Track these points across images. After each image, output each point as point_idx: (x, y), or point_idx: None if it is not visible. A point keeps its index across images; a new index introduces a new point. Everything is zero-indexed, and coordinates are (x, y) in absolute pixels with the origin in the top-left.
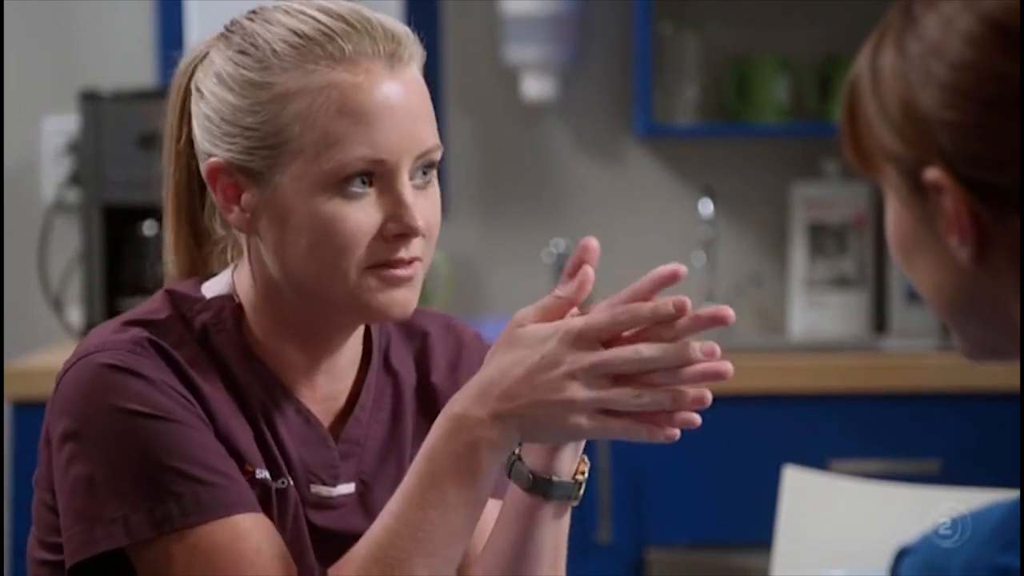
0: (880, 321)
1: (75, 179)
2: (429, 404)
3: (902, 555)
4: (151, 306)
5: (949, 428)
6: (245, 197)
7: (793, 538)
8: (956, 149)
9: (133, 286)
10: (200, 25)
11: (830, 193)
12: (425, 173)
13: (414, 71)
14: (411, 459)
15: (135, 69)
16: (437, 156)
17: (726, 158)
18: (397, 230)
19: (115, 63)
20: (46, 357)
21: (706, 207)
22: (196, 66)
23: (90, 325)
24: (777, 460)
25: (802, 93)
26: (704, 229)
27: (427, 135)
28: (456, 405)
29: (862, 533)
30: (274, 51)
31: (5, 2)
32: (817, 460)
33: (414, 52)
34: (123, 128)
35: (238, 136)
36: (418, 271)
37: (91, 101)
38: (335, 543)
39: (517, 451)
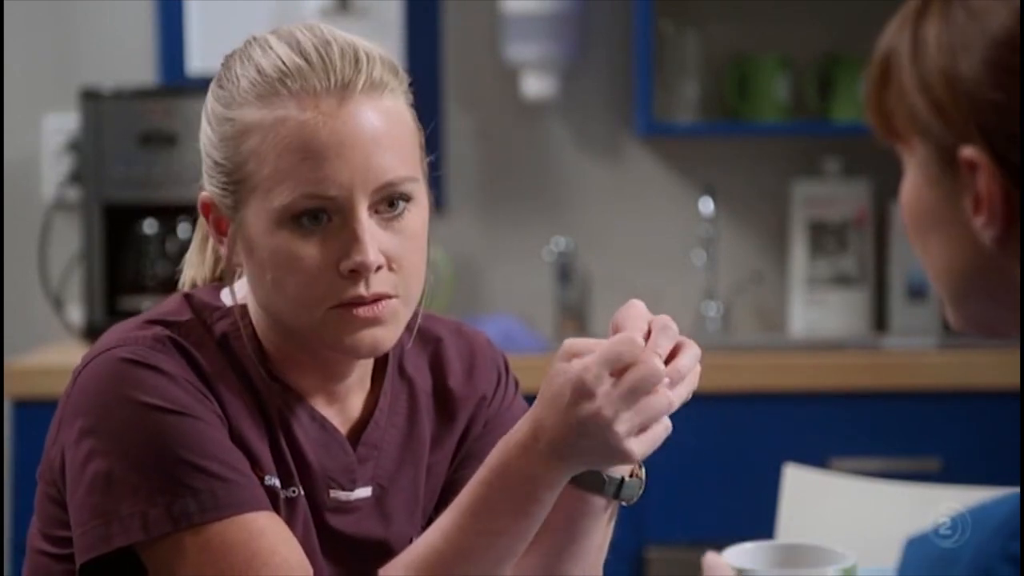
0: (880, 319)
1: (75, 177)
2: (447, 408)
3: (912, 544)
4: (170, 308)
5: (949, 426)
6: (228, 231)
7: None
8: (998, 129)
9: (133, 284)
10: (200, 23)
11: (830, 191)
12: (394, 204)
13: (381, 100)
14: (428, 463)
15: (136, 67)
16: (406, 187)
17: (727, 156)
18: (349, 266)
19: (116, 61)
20: (46, 355)
21: (707, 205)
22: None
23: (90, 323)
24: (777, 458)
25: (802, 92)
26: (705, 227)
27: (388, 166)
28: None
29: (862, 531)
30: (239, 87)
31: (6, 0)
32: (817, 458)
33: (379, 81)
34: (124, 126)
35: (213, 171)
36: (387, 309)
37: (92, 99)
38: (351, 546)
39: None
